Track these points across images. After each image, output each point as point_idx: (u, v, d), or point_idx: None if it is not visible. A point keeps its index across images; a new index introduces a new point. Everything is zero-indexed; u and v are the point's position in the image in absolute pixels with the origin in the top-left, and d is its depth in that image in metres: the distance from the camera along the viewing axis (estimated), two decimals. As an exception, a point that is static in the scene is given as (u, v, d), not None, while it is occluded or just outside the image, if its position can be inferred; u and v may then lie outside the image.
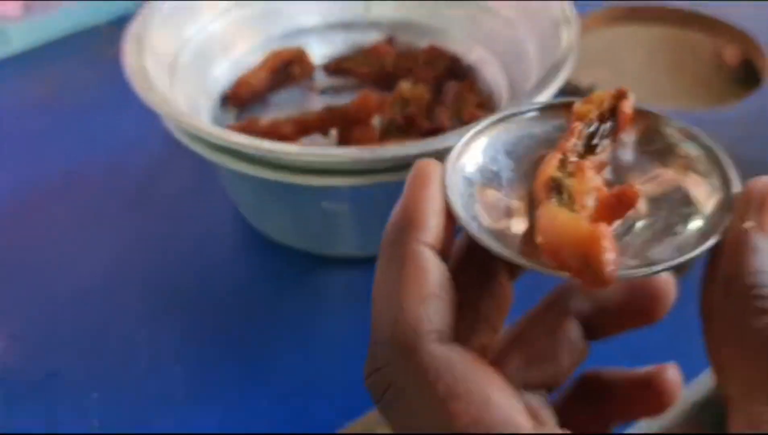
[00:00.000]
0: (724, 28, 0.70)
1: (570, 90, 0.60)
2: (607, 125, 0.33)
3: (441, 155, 0.43)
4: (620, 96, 0.32)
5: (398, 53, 0.57)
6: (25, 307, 0.50)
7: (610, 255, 0.27)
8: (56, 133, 0.63)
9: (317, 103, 0.56)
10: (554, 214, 0.29)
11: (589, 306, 0.34)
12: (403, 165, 0.45)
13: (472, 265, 0.31)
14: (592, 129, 0.32)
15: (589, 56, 0.69)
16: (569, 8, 0.51)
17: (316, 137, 0.54)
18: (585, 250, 0.27)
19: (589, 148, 0.32)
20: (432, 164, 0.31)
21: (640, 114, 0.33)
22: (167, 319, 0.48)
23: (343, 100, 0.55)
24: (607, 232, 0.28)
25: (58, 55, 0.70)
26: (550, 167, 0.31)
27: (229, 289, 0.50)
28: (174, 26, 0.54)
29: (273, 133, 0.52)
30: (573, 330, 0.33)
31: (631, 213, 0.31)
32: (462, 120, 0.51)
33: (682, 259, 0.28)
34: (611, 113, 0.33)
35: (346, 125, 0.53)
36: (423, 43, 0.59)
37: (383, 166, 0.45)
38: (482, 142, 0.33)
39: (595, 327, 0.33)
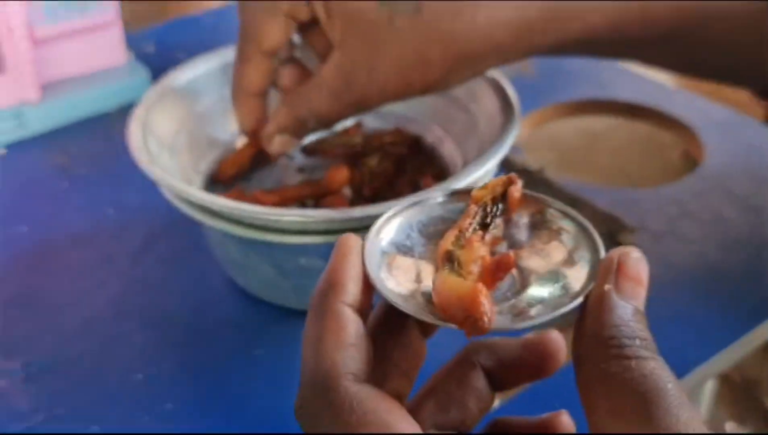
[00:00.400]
0: (664, 118, 0.77)
1: (521, 171, 0.68)
2: (499, 207, 0.37)
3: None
4: (510, 182, 0.38)
5: (366, 135, 0.64)
6: (37, 340, 0.57)
7: (485, 309, 0.32)
8: (72, 196, 0.70)
9: (295, 179, 0.63)
10: (445, 279, 0.34)
11: (493, 361, 0.38)
12: (367, 225, 0.52)
13: (388, 321, 0.36)
14: (487, 210, 0.37)
15: (541, 143, 0.77)
16: (513, 93, 0.58)
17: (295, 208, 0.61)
18: (466, 305, 0.33)
19: (484, 226, 0.37)
20: (353, 238, 0.36)
21: (529, 198, 0.38)
22: (160, 357, 0.55)
23: (317, 176, 0.62)
24: (483, 291, 0.33)
25: (73, 136, 0.76)
26: (447, 241, 0.36)
27: (214, 334, 0.57)
28: (171, 111, 0.60)
29: (256, 203, 0.58)
30: (480, 381, 0.38)
31: (519, 280, 0.36)
32: (420, 190, 0.58)
33: (549, 317, 0.33)
34: (503, 197, 0.37)
35: (321, 196, 0.60)
36: (389, 126, 0.66)
37: (352, 226, 0.50)
38: (399, 221, 0.38)
39: (498, 379, 0.38)
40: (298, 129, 0.55)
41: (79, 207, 0.69)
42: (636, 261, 0.34)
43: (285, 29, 0.53)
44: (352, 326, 0.33)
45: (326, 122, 0.55)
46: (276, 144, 0.56)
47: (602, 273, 0.34)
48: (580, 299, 0.33)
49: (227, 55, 0.64)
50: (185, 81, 0.62)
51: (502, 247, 0.37)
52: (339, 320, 0.33)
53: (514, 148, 0.71)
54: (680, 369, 0.52)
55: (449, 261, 0.35)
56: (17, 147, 0.75)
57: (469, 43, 0.50)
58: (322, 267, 0.53)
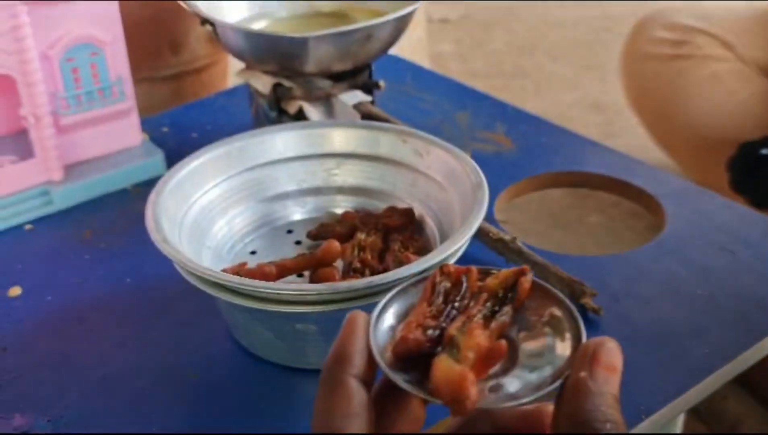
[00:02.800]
0: (631, 189, 0.85)
1: (495, 240, 0.75)
2: (509, 296, 0.42)
3: (380, 290, 0.58)
4: (522, 273, 0.43)
5: (362, 215, 0.70)
6: (63, 396, 0.64)
7: (469, 393, 0.37)
8: (93, 267, 0.77)
9: (293, 251, 0.70)
10: (441, 361, 0.39)
11: (491, 428, 0.42)
12: (357, 296, 0.58)
13: (391, 390, 0.40)
14: (498, 298, 0.42)
15: (516, 213, 0.84)
16: (480, 175, 0.66)
17: (293, 277, 0.68)
18: (454, 388, 0.38)
19: (492, 313, 0.42)
20: (360, 315, 0.41)
21: (535, 286, 0.42)
22: (173, 411, 0.62)
23: (313, 248, 0.69)
24: (470, 378, 0.38)
25: (93, 211, 0.84)
26: (453, 327, 0.40)
27: (221, 390, 0.64)
28: (181, 195, 0.68)
29: (259, 274, 0.65)
30: None
31: (511, 358, 0.40)
32: (403, 263, 0.65)
33: (530, 398, 0.38)
34: (512, 286, 0.42)
35: (316, 267, 0.68)
36: (379, 204, 0.73)
37: (341, 298, 0.58)
38: (404, 297, 0.44)
39: None
40: None
41: (100, 276, 0.76)
42: (609, 350, 0.38)
43: None
44: (356, 397, 0.38)
45: None
46: None
47: (579, 361, 0.38)
48: (558, 383, 0.39)
49: (229, 144, 0.72)
50: (193, 167, 0.70)
51: (512, 331, 0.42)
52: (345, 392, 0.38)
53: (491, 219, 0.78)
54: (633, 417, 0.59)
55: (450, 345, 0.40)
56: (43, 222, 0.83)
57: None
58: (314, 331, 0.61)
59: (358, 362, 0.40)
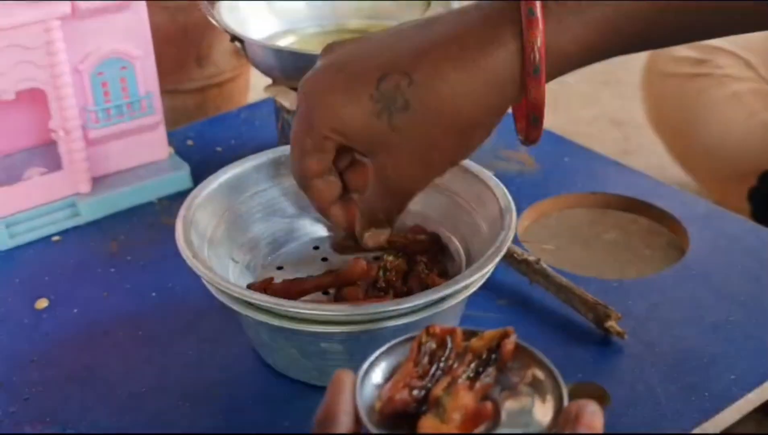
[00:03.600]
0: (654, 211, 0.85)
1: (521, 261, 0.75)
2: (492, 357, 0.44)
3: (407, 311, 0.59)
4: (506, 335, 0.44)
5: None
6: (90, 412, 0.65)
7: None
8: (119, 280, 0.78)
9: (319, 267, 0.71)
10: (427, 421, 0.41)
11: None
12: (380, 318, 0.59)
13: None
14: (482, 359, 0.44)
15: (540, 234, 0.85)
16: (509, 199, 0.66)
17: (318, 294, 0.69)
18: None
19: (477, 374, 0.43)
20: (347, 375, 0.43)
21: (518, 348, 0.44)
22: (198, 427, 0.63)
23: (339, 265, 0.70)
24: None
25: (120, 224, 0.84)
26: (439, 387, 0.42)
27: (245, 407, 0.64)
28: (212, 207, 0.68)
29: (285, 291, 0.66)
30: None
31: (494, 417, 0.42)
32: (428, 285, 0.65)
33: None
34: (497, 347, 0.44)
35: (341, 286, 0.68)
36: (407, 223, 0.74)
37: (365, 319, 0.59)
38: (393, 355, 0.45)
39: None
40: (375, 222, 0.61)
41: (126, 290, 0.77)
42: (591, 414, 0.40)
43: (322, 161, 0.59)
44: None
45: (390, 213, 0.61)
46: (368, 240, 0.62)
47: (561, 422, 0.40)
48: None
49: (259, 158, 0.72)
50: (222, 182, 0.70)
51: (495, 391, 0.44)
52: None
53: (514, 239, 0.79)
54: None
55: (436, 405, 0.41)
56: (70, 234, 0.84)
57: (459, 115, 0.54)
58: (339, 350, 0.62)
59: (345, 422, 0.41)
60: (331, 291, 0.68)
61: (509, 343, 0.44)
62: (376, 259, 0.69)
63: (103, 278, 0.78)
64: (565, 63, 0.55)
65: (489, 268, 0.61)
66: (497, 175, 0.69)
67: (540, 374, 0.44)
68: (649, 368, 0.65)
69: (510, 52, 0.53)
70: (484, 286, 0.64)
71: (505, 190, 0.67)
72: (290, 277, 0.69)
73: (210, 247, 0.67)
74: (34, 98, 0.81)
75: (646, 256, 0.82)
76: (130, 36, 0.83)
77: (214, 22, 0.86)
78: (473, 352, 0.44)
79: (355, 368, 0.63)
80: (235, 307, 0.60)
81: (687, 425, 0.61)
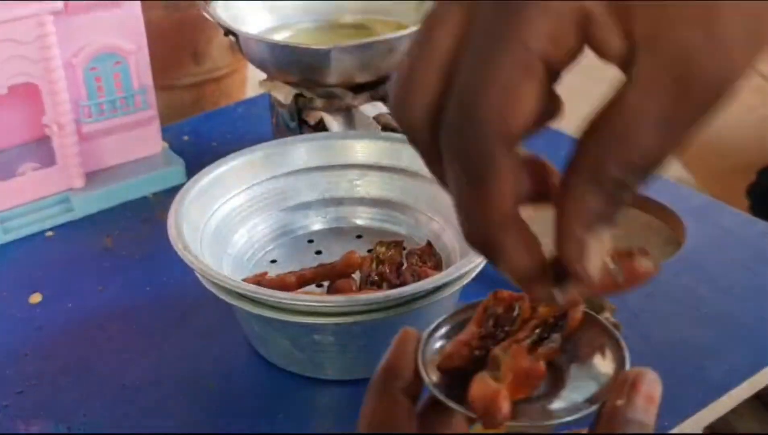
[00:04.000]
0: (652, 203, 0.85)
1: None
2: (559, 325, 0.42)
3: (397, 304, 0.59)
4: (573, 304, 0.43)
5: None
6: (84, 405, 0.64)
7: (499, 409, 0.39)
8: (113, 275, 0.77)
9: (313, 261, 0.71)
10: (480, 379, 0.40)
11: None
12: (372, 309, 0.59)
13: (436, 404, 0.41)
14: (547, 325, 0.42)
15: (538, 226, 0.84)
16: None
17: (312, 286, 0.69)
18: (487, 404, 0.39)
19: (540, 339, 0.42)
20: (411, 332, 0.42)
21: (585, 316, 0.43)
22: (192, 420, 0.63)
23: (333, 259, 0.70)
24: (503, 394, 0.39)
25: (114, 219, 0.84)
26: (497, 349, 0.41)
27: (239, 399, 0.64)
28: (203, 203, 0.68)
29: (279, 284, 0.66)
30: None
31: (556, 380, 0.41)
32: (420, 277, 0.65)
33: (565, 419, 0.39)
34: (563, 315, 0.43)
35: (334, 278, 0.68)
36: (400, 216, 0.74)
37: (358, 310, 0.58)
38: (456, 319, 0.45)
39: None
40: (614, 203, 0.35)
41: (120, 284, 0.77)
42: (651, 382, 0.39)
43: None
44: (401, 409, 0.41)
45: (653, 165, 0.35)
46: (594, 263, 0.36)
47: (617, 388, 0.39)
48: (595, 407, 0.39)
49: (252, 153, 0.72)
50: (215, 176, 0.70)
51: (562, 360, 0.43)
52: (391, 403, 0.41)
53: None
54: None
55: (492, 364, 0.41)
56: (64, 229, 0.84)
57: None
58: (331, 341, 0.62)
59: (405, 376, 0.41)
60: (325, 283, 0.68)
61: (577, 312, 0.44)
62: (369, 251, 0.69)
63: (98, 272, 0.78)
64: None
65: (481, 260, 0.61)
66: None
67: (606, 342, 0.43)
68: (644, 359, 0.64)
69: None
70: (480, 279, 0.63)
71: None
72: (284, 270, 0.69)
73: (203, 240, 0.67)
74: (28, 93, 0.81)
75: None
76: (124, 31, 0.83)
77: (208, 16, 0.86)
78: (539, 318, 0.44)
79: (349, 360, 0.63)
80: (228, 298, 0.60)
81: (681, 414, 0.61)
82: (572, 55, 0.33)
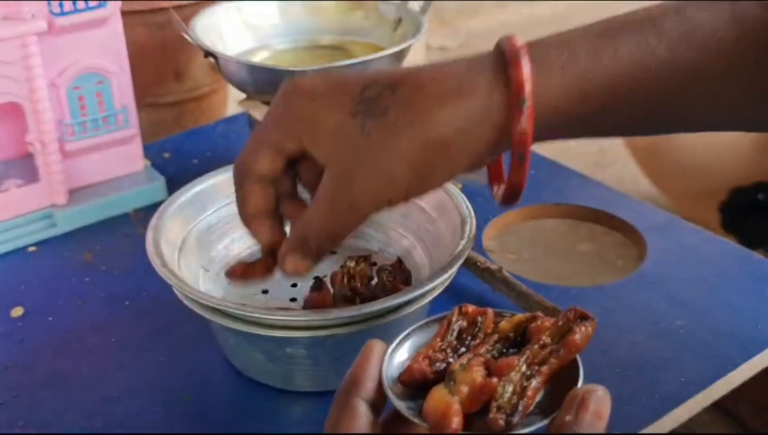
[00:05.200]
0: (614, 221, 0.88)
1: (483, 269, 0.78)
2: (518, 339, 0.45)
3: (369, 317, 0.61)
4: (533, 319, 0.46)
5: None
6: (63, 417, 0.66)
7: (451, 422, 0.41)
8: (93, 289, 0.80)
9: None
10: (435, 391, 0.43)
11: None
12: (342, 323, 0.61)
13: (398, 417, 0.44)
14: (508, 340, 0.46)
15: (504, 243, 0.87)
16: (469, 209, 0.69)
17: (287, 301, 0.71)
18: (439, 416, 0.42)
19: (500, 355, 0.45)
20: (377, 344, 0.45)
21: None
22: (168, 430, 0.65)
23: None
24: (454, 407, 0.41)
25: (96, 235, 0.86)
26: (457, 363, 0.44)
27: (214, 411, 0.66)
28: (181, 219, 0.70)
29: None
30: None
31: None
32: (391, 292, 0.67)
33: (516, 432, 0.41)
34: (524, 331, 0.46)
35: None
36: (372, 232, 0.76)
37: (330, 324, 0.61)
38: (421, 333, 0.48)
39: None
40: (305, 248, 0.56)
41: (100, 298, 0.79)
42: (599, 398, 0.41)
43: (273, 161, 0.56)
44: (363, 419, 0.43)
45: (328, 238, 0.55)
46: (288, 264, 0.56)
47: (568, 404, 0.41)
48: (545, 422, 0.42)
49: (230, 171, 0.74)
50: (194, 193, 0.73)
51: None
52: (354, 413, 0.43)
53: (479, 249, 0.81)
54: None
55: (449, 378, 0.44)
56: (47, 245, 0.86)
57: (433, 128, 0.52)
58: (304, 355, 0.64)
59: (368, 387, 0.44)
60: (300, 300, 0.70)
61: (536, 327, 0.46)
62: (342, 267, 0.71)
63: (78, 287, 0.80)
64: (550, 114, 0.53)
65: (449, 275, 0.64)
66: (464, 188, 0.72)
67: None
68: (602, 371, 0.68)
69: (494, 83, 0.52)
70: (449, 294, 0.66)
71: (465, 199, 0.69)
72: (259, 287, 0.71)
73: (181, 256, 0.69)
74: (12, 112, 0.83)
75: (617, 265, 0.84)
76: (107, 51, 0.86)
77: (187, 37, 0.88)
78: (500, 332, 0.46)
79: (321, 372, 0.66)
80: (202, 312, 0.62)
81: (638, 425, 0.63)
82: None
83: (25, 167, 0.87)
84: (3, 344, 0.74)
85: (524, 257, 0.85)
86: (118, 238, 0.87)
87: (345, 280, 0.69)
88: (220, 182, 0.74)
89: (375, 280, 0.71)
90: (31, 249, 0.86)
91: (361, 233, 0.76)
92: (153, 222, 0.68)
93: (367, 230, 0.76)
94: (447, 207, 0.71)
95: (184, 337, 0.73)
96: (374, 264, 0.72)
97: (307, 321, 0.61)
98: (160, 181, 0.91)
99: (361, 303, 0.67)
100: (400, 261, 0.72)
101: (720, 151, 1.43)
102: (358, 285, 0.69)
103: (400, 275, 0.70)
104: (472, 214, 0.68)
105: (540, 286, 0.76)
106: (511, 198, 0.56)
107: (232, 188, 0.73)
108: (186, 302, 0.64)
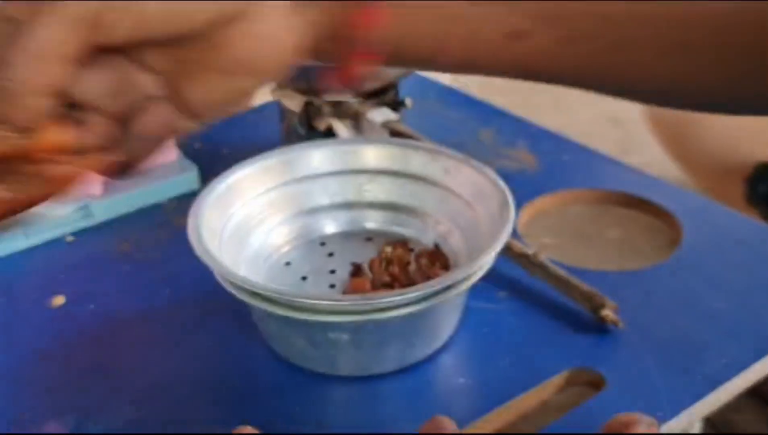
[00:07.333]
0: (650, 206, 0.88)
1: (519, 254, 0.78)
2: None
3: (411, 302, 0.61)
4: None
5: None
6: (108, 405, 0.67)
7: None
8: (133, 278, 0.80)
9: (326, 263, 0.74)
10: None
11: None
12: (385, 308, 0.62)
13: None
14: None
15: (539, 228, 0.87)
16: (507, 194, 0.69)
17: (326, 287, 0.72)
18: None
19: None
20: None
21: None
22: (213, 417, 0.65)
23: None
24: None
25: (131, 225, 0.87)
26: None
27: (257, 397, 0.67)
28: (221, 206, 0.71)
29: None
30: None
31: None
32: (429, 277, 0.68)
33: None
34: None
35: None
36: (409, 219, 0.77)
37: (371, 309, 0.61)
38: None
39: None
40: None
41: (140, 287, 0.80)
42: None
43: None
44: None
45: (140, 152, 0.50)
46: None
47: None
48: None
49: (268, 159, 0.75)
50: (232, 181, 0.73)
51: None
52: None
53: (514, 234, 0.81)
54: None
55: None
56: (83, 235, 0.87)
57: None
58: (346, 340, 0.64)
59: None
60: (338, 285, 0.71)
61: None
62: (379, 253, 0.72)
63: (117, 276, 0.81)
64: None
65: (488, 260, 0.64)
66: (497, 173, 0.72)
67: None
68: (645, 353, 0.68)
69: None
70: (486, 279, 0.66)
71: (504, 185, 0.70)
72: (298, 272, 0.72)
73: (221, 244, 0.70)
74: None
75: (645, 251, 0.84)
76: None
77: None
78: None
79: (364, 357, 0.66)
80: (246, 298, 0.63)
81: (682, 405, 0.63)
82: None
83: (61, 158, 0.88)
84: (47, 332, 0.74)
85: (558, 242, 0.85)
86: (153, 227, 0.87)
87: (383, 265, 0.69)
88: (256, 171, 0.75)
89: (413, 266, 0.71)
90: (69, 239, 0.86)
91: (397, 220, 0.77)
92: (193, 212, 0.69)
93: (403, 217, 0.77)
94: (485, 192, 0.71)
95: (225, 325, 0.74)
96: (411, 250, 0.73)
97: (352, 305, 0.61)
98: (193, 171, 0.92)
99: (399, 288, 0.67)
100: (437, 246, 0.73)
101: (744, 126, 1.42)
102: (397, 270, 0.70)
103: (438, 261, 0.71)
104: (510, 198, 0.68)
105: (576, 271, 0.76)
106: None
107: (268, 176, 0.75)
108: (229, 288, 0.64)
